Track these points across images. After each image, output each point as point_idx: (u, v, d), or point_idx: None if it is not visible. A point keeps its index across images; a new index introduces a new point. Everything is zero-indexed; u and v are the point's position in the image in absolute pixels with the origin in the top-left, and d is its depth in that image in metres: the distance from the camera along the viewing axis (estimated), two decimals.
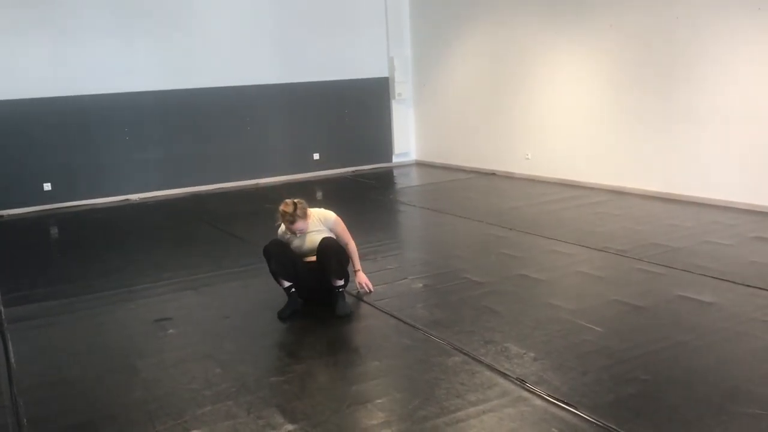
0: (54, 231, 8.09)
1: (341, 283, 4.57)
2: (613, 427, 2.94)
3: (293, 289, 4.55)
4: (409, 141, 11.53)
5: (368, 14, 10.88)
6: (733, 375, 3.37)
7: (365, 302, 4.71)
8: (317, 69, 10.52)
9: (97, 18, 9.01)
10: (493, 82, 9.83)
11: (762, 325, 3.97)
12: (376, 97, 11.15)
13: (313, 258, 4.59)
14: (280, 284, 4.56)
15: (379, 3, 10.95)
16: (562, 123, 8.84)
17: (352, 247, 4.80)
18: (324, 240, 4.54)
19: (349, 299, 4.69)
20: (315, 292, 4.65)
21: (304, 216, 4.53)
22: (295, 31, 10.31)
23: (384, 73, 11.13)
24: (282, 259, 4.52)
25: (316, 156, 10.74)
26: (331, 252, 4.49)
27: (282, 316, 4.47)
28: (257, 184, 10.29)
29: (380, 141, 11.31)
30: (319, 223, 4.66)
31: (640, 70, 7.73)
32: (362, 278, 4.88)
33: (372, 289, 4.86)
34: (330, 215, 4.74)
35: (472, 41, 10.12)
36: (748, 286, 4.60)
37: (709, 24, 6.94)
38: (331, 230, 4.70)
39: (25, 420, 3.29)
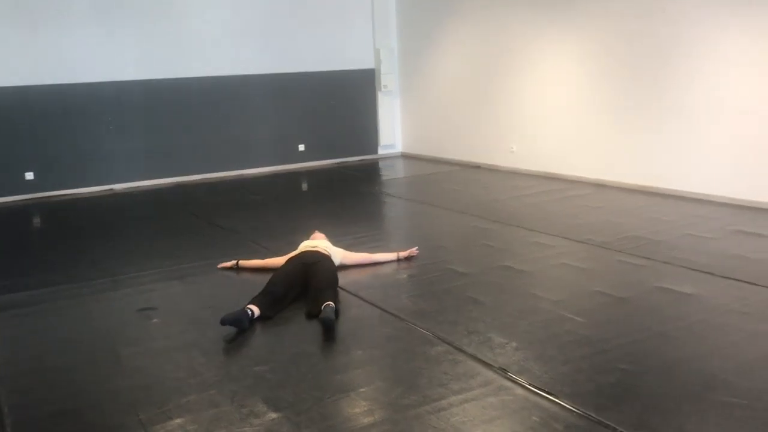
0: (37, 220, 8.04)
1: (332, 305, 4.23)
2: (593, 415, 2.98)
3: (252, 315, 4.20)
4: (394, 133, 11.54)
5: (355, 6, 10.86)
6: (712, 365, 3.42)
7: (349, 293, 4.72)
8: (303, 60, 10.49)
9: (80, 5, 8.93)
10: (478, 75, 9.86)
11: (740, 317, 4.03)
12: (362, 89, 11.14)
13: (314, 248, 4.94)
14: (250, 308, 4.21)
15: None
16: (546, 116, 8.88)
17: (372, 256, 5.35)
18: (323, 264, 4.73)
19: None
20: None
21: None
22: (282, 22, 10.27)
23: (370, 65, 11.13)
24: (283, 295, 4.46)
25: (302, 147, 10.72)
26: (325, 281, 4.52)
27: (225, 321, 4.01)
28: (242, 174, 10.27)
29: (366, 133, 11.31)
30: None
31: (625, 65, 7.79)
32: (404, 254, 5.39)
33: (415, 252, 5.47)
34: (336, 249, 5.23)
35: (457, 34, 10.14)
36: (728, 278, 4.67)
37: (695, 18, 6.99)
38: (337, 253, 5.16)
39: (6, 408, 3.28)
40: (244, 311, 4.16)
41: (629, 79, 7.77)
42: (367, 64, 11.08)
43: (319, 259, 4.80)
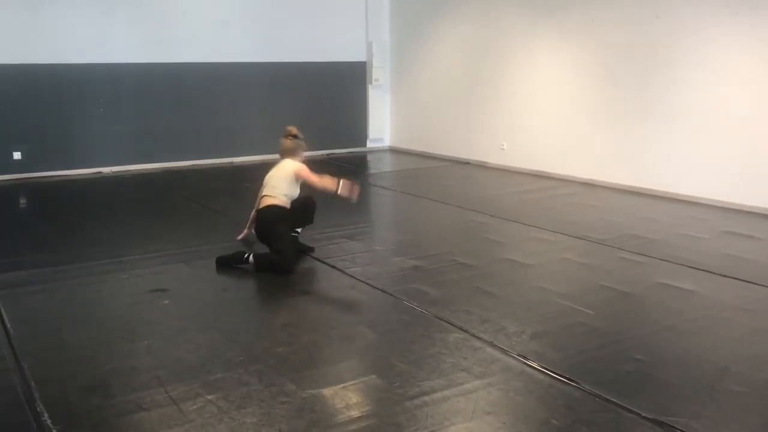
0: (26, 201, 7.93)
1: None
2: (615, 400, 3.09)
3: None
4: (383, 127, 11.59)
5: None
6: (722, 357, 3.56)
7: (359, 280, 4.78)
8: (296, 50, 10.49)
9: None
10: (471, 72, 9.96)
11: (742, 312, 4.19)
12: (353, 82, 11.18)
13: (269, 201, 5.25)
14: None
15: None
16: (538, 115, 9.02)
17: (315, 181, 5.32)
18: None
19: (344, 277, 4.80)
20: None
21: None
22: (276, 11, 10.26)
23: (362, 58, 11.17)
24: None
25: None
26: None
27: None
28: (231, 162, 10.24)
29: (355, 125, 11.35)
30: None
31: (617, 67, 7.96)
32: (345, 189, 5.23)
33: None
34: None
35: (451, 30, 10.23)
36: (725, 276, 4.84)
37: (688, 25, 7.18)
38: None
39: (32, 382, 3.28)
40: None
41: (620, 81, 7.94)
42: (359, 57, 11.12)
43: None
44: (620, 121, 8.01)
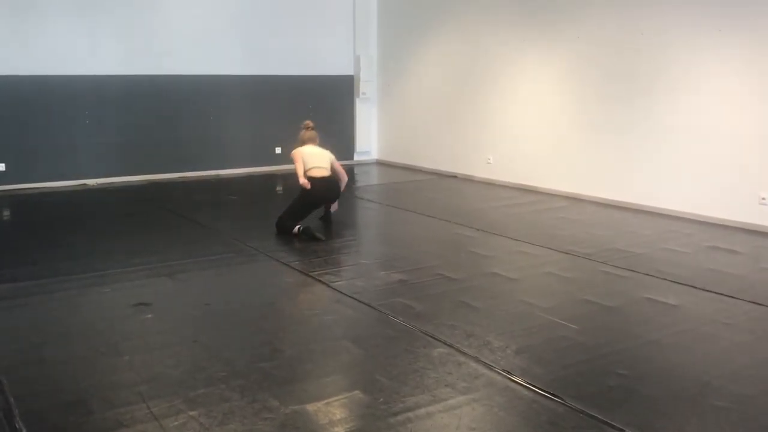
0: (10, 213, 7.86)
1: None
2: (598, 415, 3.09)
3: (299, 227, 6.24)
4: (370, 140, 11.63)
5: (336, 12, 10.96)
6: (705, 371, 3.58)
7: (345, 294, 4.77)
8: (283, 63, 10.52)
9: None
10: (457, 86, 10.02)
11: (724, 327, 4.21)
12: (341, 95, 11.21)
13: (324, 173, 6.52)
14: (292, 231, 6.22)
15: (347, 2, 11.02)
16: (524, 130, 9.08)
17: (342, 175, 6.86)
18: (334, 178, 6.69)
19: (329, 291, 4.79)
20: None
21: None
22: (263, 24, 10.30)
23: (349, 72, 11.22)
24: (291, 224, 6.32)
25: (278, 150, 10.71)
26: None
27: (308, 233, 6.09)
28: (218, 175, 10.22)
29: (342, 138, 11.35)
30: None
31: (602, 82, 8.03)
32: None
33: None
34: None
35: (438, 44, 10.30)
36: (708, 291, 4.87)
37: (672, 41, 7.26)
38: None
39: (11, 398, 3.23)
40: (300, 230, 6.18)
41: (605, 97, 8.01)
42: (346, 70, 11.17)
43: (334, 191, 6.69)
44: (605, 136, 8.07)
